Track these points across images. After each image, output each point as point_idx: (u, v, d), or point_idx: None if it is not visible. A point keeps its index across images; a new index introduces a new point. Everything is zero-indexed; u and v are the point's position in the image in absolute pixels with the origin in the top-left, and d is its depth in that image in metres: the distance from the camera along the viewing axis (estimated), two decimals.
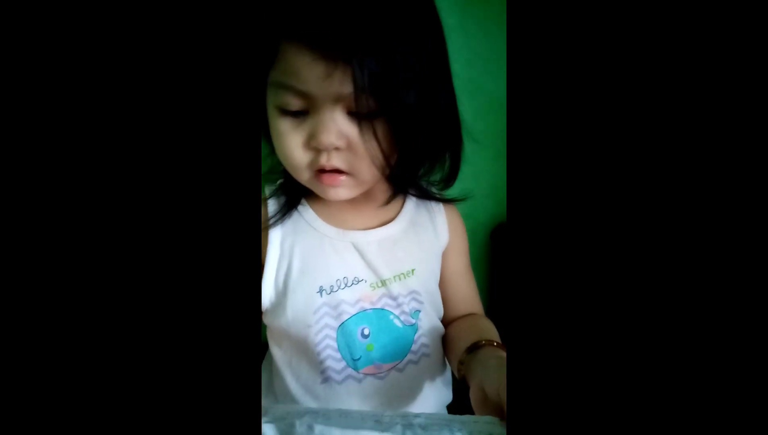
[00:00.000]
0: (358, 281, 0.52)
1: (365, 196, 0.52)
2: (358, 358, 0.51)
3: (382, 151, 0.43)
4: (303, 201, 0.54)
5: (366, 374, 0.51)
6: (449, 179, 0.53)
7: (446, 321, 0.58)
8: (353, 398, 0.51)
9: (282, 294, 0.52)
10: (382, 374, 0.52)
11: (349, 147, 0.43)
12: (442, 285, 0.58)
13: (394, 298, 0.52)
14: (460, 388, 0.51)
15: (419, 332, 0.54)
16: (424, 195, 0.57)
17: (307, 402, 0.52)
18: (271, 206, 0.54)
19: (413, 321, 0.53)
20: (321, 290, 0.51)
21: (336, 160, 0.44)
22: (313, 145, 0.43)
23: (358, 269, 0.52)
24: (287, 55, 0.40)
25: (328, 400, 0.52)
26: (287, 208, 0.53)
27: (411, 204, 0.57)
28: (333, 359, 0.51)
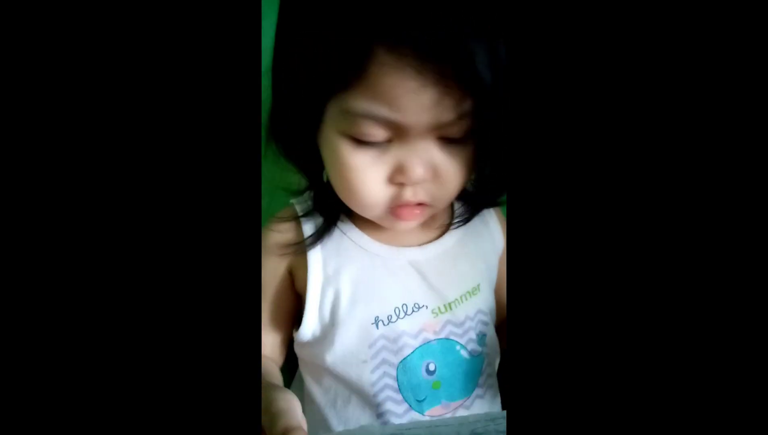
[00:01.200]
0: (419, 308, 0.44)
1: None
2: (423, 399, 0.44)
3: (467, 175, 0.40)
4: (343, 217, 0.46)
5: (431, 417, 0.44)
6: (500, 188, 0.46)
7: (500, 317, 0.52)
8: None
9: (329, 326, 0.44)
10: (448, 414, 0.45)
11: (436, 176, 0.38)
12: (499, 286, 0.51)
13: (460, 324, 0.45)
14: None
15: (486, 361, 0.47)
16: (477, 201, 0.49)
17: None
18: (307, 226, 0.45)
19: (480, 349, 0.46)
20: (377, 321, 0.43)
21: (422, 194, 0.39)
22: (400, 180, 0.38)
23: (418, 294, 0.44)
24: (381, 80, 0.32)
25: None
26: (326, 226, 0.45)
27: (460, 211, 0.50)
28: (393, 401, 0.43)
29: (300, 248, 0.45)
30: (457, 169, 0.39)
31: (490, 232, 0.51)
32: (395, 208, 0.40)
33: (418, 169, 0.37)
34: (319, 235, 0.45)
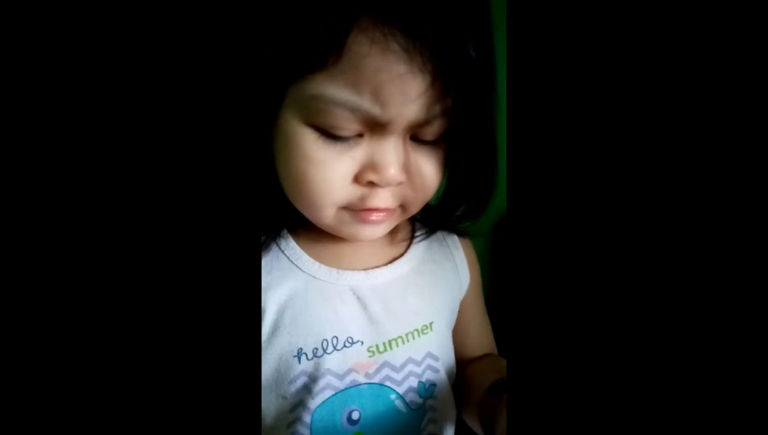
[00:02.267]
0: (352, 343, 0.36)
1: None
2: None
3: (439, 180, 0.36)
4: (284, 232, 0.39)
5: None
6: (477, 210, 0.40)
7: (459, 365, 0.44)
8: None
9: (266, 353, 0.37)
10: None
11: (410, 178, 0.34)
12: (459, 330, 0.44)
13: (400, 368, 0.37)
14: None
15: (429, 416, 0.39)
16: (441, 226, 0.43)
17: None
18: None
19: (420, 401, 0.38)
20: (300, 354, 0.35)
21: (392, 198, 0.35)
22: (371, 178, 0.32)
23: (354, 326, 0.37)
24: (364, 62, 0.28)
25: None
26: (266, 243, 0.38)
27: (420, 237, 0.43)
28: None
29: None
30: (431, 172, 0.35)
31: (454, 266, 0.44)
32: (361, 212, 0.34)
33: (392, 169, 0.32)
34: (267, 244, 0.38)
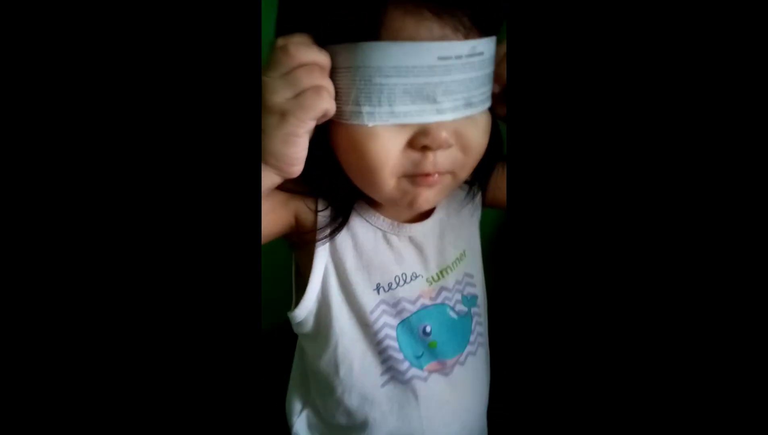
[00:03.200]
0: (416, 277, 0.50)
1: None
2: (421, 355, 0.50)
3: (486, 142, 0.40)
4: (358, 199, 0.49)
5: (431, 371, 0.50)
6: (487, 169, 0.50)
7: None
8: (420, 399, 0.49)
9: (331, 297, 0.48)
10: (446, 371, 0.51)
11: (458, 142, 0.38)
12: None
13: (451, 289, 0.51)
14: None
15: (475, 320, 0.53)
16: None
17: (365, 411, 0.50)
18: (321, 218, 0.47)
19: (466, 310, 0.52)
20: (378, 288, 0.49)
21: (445, 162, 0.39)
22: (423, 142, 0.36)
23: (415, 265, 0.50)
24: (399, 32, 0.33)
25: (392, 404, 0.50)
26: (339, 220, 0.47)
27: None
28: (395, 359, 0.49)
29: (312, 238, 0.47)
30: (477, 136, 0.39)
31: (471, 201, 0.54)
32: (417, 177, 0.39)
33: (442, 131, 0.36)
34: (332, 230, 0.47)
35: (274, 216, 0.46)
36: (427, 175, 0.39)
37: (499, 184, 0.53)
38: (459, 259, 0.52)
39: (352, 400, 0.50)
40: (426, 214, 0.52)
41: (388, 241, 0.50)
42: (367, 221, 0.49)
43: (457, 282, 0.52)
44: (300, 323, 0.51)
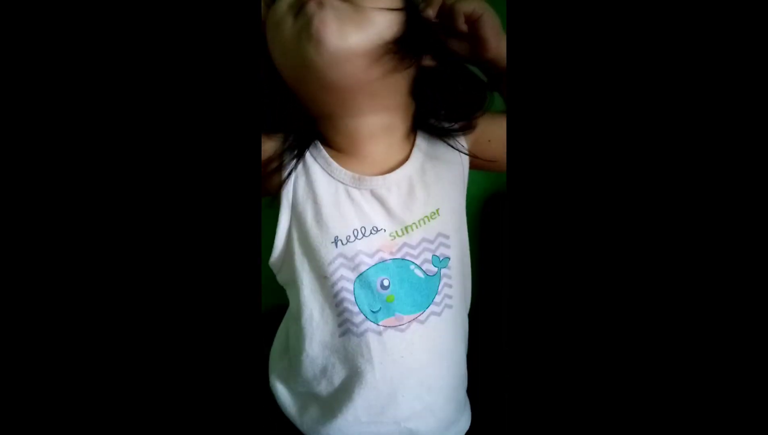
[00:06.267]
0: (377, 231, 0.49)
1: (385, 132, 0.49)
2: (378, 310, 0.49)
3: None
4: (317, 145, 0.50)
5: (386, 326, 0.49)
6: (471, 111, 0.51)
7: None
8: (373, 352, 0.49)
9: (294, 246, 0.49)
10: (402, 326, 0.50)
11: None
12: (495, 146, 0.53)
13: (416, 246, 0.50)
14: None
15: (443, 282, 0.51)
16: (440, 132, 0.52)
17: (325, 358, 0.50)
18: (286, 158, 0.50)
19: (435, 270, 0.51)
20: (336, 241, 0.48)
21: None
22: None
23: (377, 219, 0.49)
24: None
25: (347, 354, 0.49)
26: (299, 155, 0.49)
27: (422, 139, 0.52)
28: (350, 312, 0.49)
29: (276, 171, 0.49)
30: None
31: (458, 158, 0.53)
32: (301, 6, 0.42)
33: None
34: (294, 166, 0.49)
35: None
36: None
37: (487, 135, 0.52)
38: (430, 217, 0.50)
39: (313, 348, 0.51)
40: (394, 165, 0.51)
41: (349, 195, 0.49)
42: (330, 175, 0.50)
43: (426, 240, 0.50)
44: (276, 273, 0.53)
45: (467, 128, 0.52)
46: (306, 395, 0.53)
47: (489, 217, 1.02)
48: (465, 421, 0.58)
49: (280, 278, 0.54)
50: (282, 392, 0.55)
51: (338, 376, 0.51)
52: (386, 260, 0.49)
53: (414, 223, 0.50)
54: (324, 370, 0.51)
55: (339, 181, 0.49)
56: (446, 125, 0.52)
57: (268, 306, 0.82)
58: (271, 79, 0.47)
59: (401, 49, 0.43)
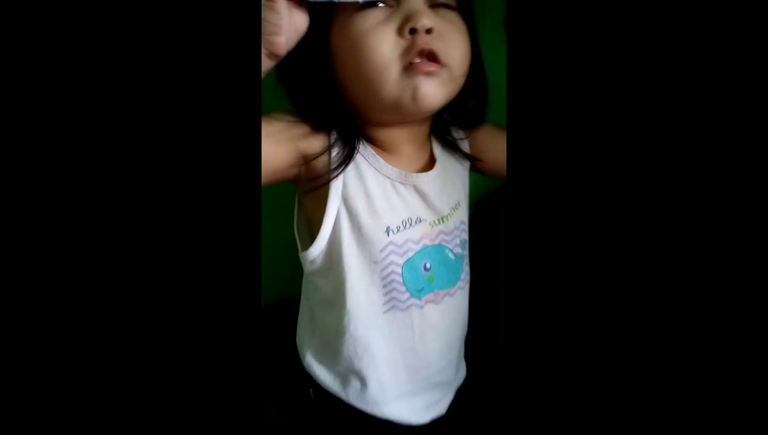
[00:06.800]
0: (420, 221, 0.57)
1: (419, 137, 0.57)
2: (422, 289, 0.57)
3: (466, 43, 0.50)
4: (363, 142, 0.55)
5: (426, 302, 0.58)
6: (475, 121, 0.61)
7: None
8: (415, 323, 0.58)
9: (341, 235, 0.54)
10: (438, 300, 0.59)
11: (439, 32, 0.46)
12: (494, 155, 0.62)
13: (449, 233, 0.58)
14: None
15: (464, 261, 0.61)
16: (448, 144, 0.62)
17: (369, 336, 0.57)
18: (334, 153, 0.53)
19: (461, 252, 0.61)
20: (388, 230, 0.55)
21: (432, 43, 0.46)
22: (409, 26, 0.45)
23: (419, 210, 0.56)
24: None
25: (391, 329, 0.58)
26: (349, 155, 0.54)
27: (436, 142, 0.62)
28: (398, 292, 0.56)
29: (327, 174, 0.53)
30: (457, 32, 0.49)
31: (463, 159, 0.63)
32: (411, 66, 0.46)
33: (423, 15, 0.45)
34: (344, 164, 0.53)
35: (276, 148, 0.50)
36: (421, 54, 0.46)
37: (487, 142, 0.63)
38: (455, 208, 0.59)
39: (357, 328, 0.57)
40: (428, 168, 0.59)
41: (395, 189, 0.56)
42: (377, 170, 0.55)
43: (455, 228, 0.59)
44: (312, 261, 0.57)
45: (467, 135, 0.62)
46: (347, 371, 0.60)
47: (481, 218, 1.07)
48: (463, 371, 0.70)
49: (313, 267, 0.58)
50: (321, 371, 0.61)
51: (381, 349, 0.58)
52: (428, 246, 0.57)
53: (447, 214, 0.58)
54: (367, 347, 0.57)
55: (386, 176, 0.55)
56: (453, 133, 0.62)
57: (269, 300, 0.87)
58: (321, 77, 0.51)
59: None
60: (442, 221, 0.58)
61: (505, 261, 0.33)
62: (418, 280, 0.57)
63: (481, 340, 0.82)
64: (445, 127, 0.61)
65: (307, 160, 0.53)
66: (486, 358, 0.79)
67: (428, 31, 0.46)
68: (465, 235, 0.61)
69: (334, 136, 0.54)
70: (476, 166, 0.65)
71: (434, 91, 0.48)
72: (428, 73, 0.47)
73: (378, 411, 0.59)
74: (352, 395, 0.60)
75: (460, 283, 0.61)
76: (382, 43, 0.46)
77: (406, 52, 0.46)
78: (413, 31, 0.46)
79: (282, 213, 0.63)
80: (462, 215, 0.61)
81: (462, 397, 0.69)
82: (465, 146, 0.63)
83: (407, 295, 0.57)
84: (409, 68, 0.47)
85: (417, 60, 0.46)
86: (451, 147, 0.62)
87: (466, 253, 0.62)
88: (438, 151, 0.61)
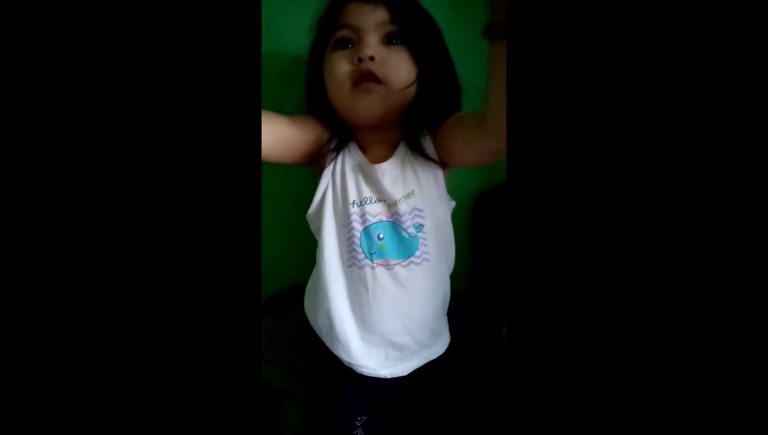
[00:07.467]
0: (379, 200, 0.74)
1: (384, 136, 0.76)
2: (374, 253, 0.74)
3: (407, 69, 0.69)
4: (352, 140, 0.78)
5: (378, 265, 0.74)
6: (443, 114, 0.76)
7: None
8: (368, 281, 0.73)
9: (326, 204, 0.76)
10: (390, 267, 0.74)
11: (382, 60, 0.66)
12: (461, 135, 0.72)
13: (402, 215, 0.74)
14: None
15: (421, 241, 0.75)
16: (417, 149, 0.77)
17: (338, 279, 0.75)
18: (332, 145, 0.77)
19: (415, 233, 0.75)
20: (353, 202, 0.74)
21: (372, 67, 0.66)
22: (358, 55, 0.66)
23: (380, 192, 0.74)
24: (348, 9, 0.69)
25: (352, 280, 0.75)
26: (340, 147, 0.77)
27: (403, 146, 0.77)
28: (356, 251, 0.74)
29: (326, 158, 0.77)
30: (399, 59, 0.68)
31: (429, 150, 0.77)
32: (357, 83, 0.67)
33: (366, 48, 0.66)
34: (336, 153, 0.77)
35: (306, 132, 0.76)
36: (362, 77, 0.66)
37: (448, 131, 0.76)
38: (407, 196, 0.75)
39: (330, 275, 0.76)
40: (389, 157, 0.77)
41: (362, 174, 0.76)
42: (354, 159, 0.77)
43: (407, 212, 0.75)
44: (312, 221, 0.80)
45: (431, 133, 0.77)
46: (321, 310, 0.78)
47: (480, 214, 1.20)
48: (439, 347, 0.81)
49: (313, 227, 0.81)
50: (309, 311, 0.82)
51: (343, 296, 0.76)
52: (383, 221, 0.74)
53: (400, 199, 0.74)
54: (335, 292, 0.76)
55: (357, 163, 0.77)
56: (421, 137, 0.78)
57: (275, 290, 1.06)
58: (319, 95, 0.76)
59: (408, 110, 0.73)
60: (395, 205, 0.74)
61: (506, 258, 0.34)
62: (372, 245, 0.73)
63: (482, 336, 0.93)
64: (414, 132, 0.77)
65: (319, 144, 0.77)
66: (487, 353, 0.90)
67: (372, 58, 0.66)
68: (421, 220, 0.75)
69: (333, 134, 0.77)
70: (447, 161, 0.76)
71: (371, 104, 0.69)
72: (368, 90, 0.68)
73: (343, 351, 0.76)
74: (324, 331, 0.77)
75: (414, 259, 0.75)
76: (340, 69, 0.69)
77: (354, 74, 0.68)
78: (360, 60, 0.67)
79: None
80: (417, 202, 0.75)
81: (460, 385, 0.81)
82: (429, 146, 0.77)
83: (362, 255, 0.74)
84: (356, 86, 0.68)
85: (361, 80, 0.67)
86: (416, 149, 0.77)
87: (425, 235, 0.76)
88: (402, 150, 0.77)
